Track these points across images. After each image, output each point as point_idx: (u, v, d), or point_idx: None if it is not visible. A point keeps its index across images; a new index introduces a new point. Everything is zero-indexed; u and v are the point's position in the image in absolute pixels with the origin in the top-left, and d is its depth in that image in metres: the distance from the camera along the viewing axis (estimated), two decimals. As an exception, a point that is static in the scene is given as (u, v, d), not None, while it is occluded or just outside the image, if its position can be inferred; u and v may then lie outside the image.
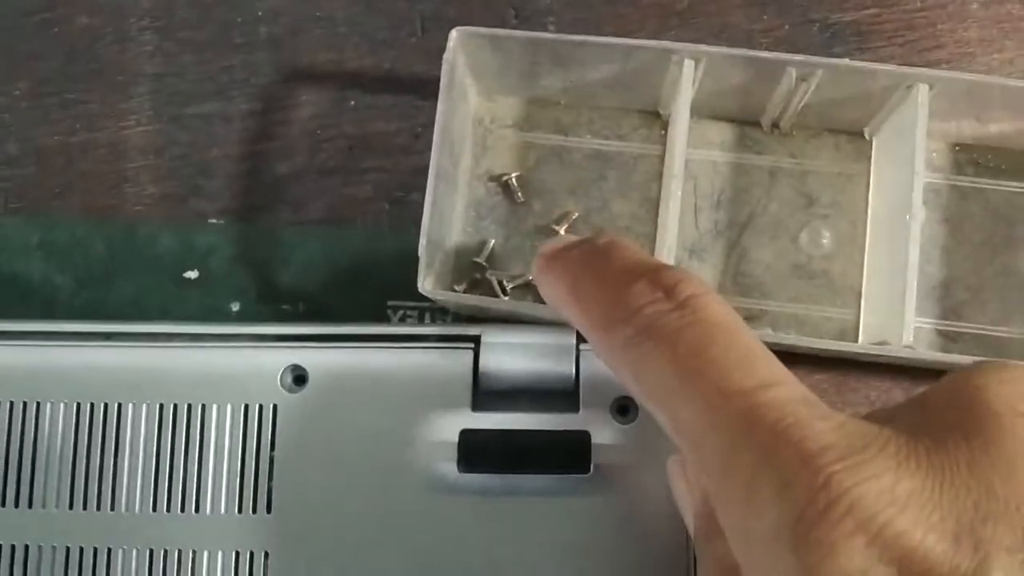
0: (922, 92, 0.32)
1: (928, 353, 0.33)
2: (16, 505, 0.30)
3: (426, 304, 0.35)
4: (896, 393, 0.35)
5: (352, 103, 0.38)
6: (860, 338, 0.35)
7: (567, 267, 0.22)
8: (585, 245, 0.22)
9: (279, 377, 0.31)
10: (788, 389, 0.18)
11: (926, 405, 0.18)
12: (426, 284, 0.31)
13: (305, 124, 0.38)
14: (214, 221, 0.37)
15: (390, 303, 0.36)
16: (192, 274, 0.37)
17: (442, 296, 0.32)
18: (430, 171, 0.32)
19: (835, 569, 0.15)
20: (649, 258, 0.21)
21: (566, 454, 0.29)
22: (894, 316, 0.31)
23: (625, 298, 0.19)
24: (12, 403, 0.31)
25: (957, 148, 0.36)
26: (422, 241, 0.31)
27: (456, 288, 0.35)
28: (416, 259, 0.31)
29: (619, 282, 0.20)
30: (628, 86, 0.35)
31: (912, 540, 0.15)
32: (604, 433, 0.30)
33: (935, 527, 0.16)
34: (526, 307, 0.32)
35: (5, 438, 0.30)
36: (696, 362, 0.18)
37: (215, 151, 0.38)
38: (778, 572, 0.16)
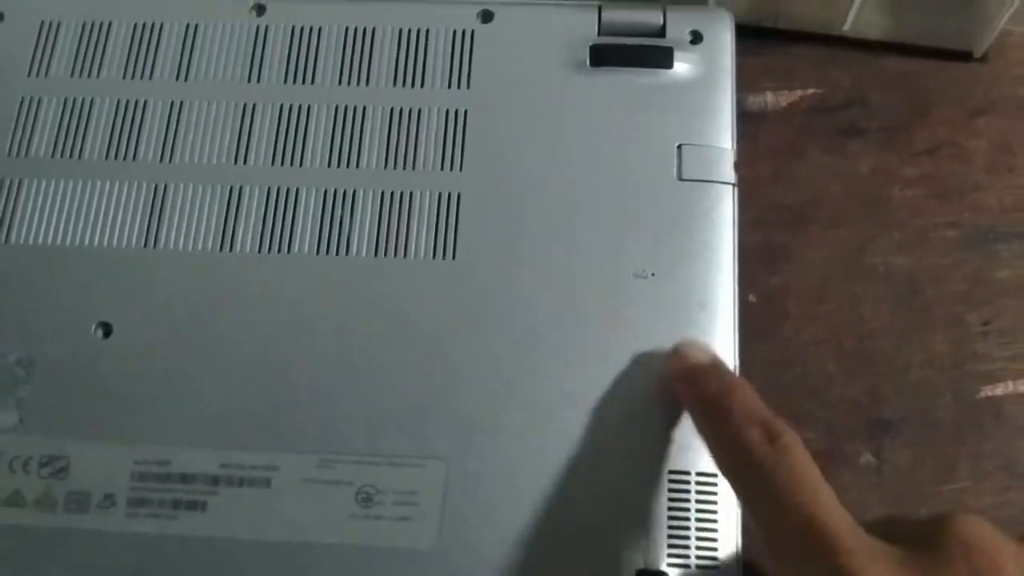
0: None
1: None
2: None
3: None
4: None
5: None
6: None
7: (702, 395, 0.30)
8: (716, 383, 0.30)
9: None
10: (835, 510, 0.26)
11: (919, 532, 0.26)
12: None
13: None
14: None
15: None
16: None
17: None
18: None
19: None
20: (761, 408, 0.29)
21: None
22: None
23: (745, 441, 0.28)
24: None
25: None
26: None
27: None
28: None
29: (740, 424, 0.28)
30: None
31: None
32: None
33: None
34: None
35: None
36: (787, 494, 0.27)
37: None
38: None
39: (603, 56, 0.36)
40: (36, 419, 0.33)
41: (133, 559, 0.31)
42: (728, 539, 0.31)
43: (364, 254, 0.34)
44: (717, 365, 0.31)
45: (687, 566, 0.31)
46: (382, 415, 0.32)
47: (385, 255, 0.34)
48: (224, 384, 0.33)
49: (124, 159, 0.36)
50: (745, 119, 0.35)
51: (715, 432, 0.29)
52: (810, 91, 0.39)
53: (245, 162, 0.36)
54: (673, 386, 0.32)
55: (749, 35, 0.37)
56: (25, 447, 0.33)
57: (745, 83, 0.36)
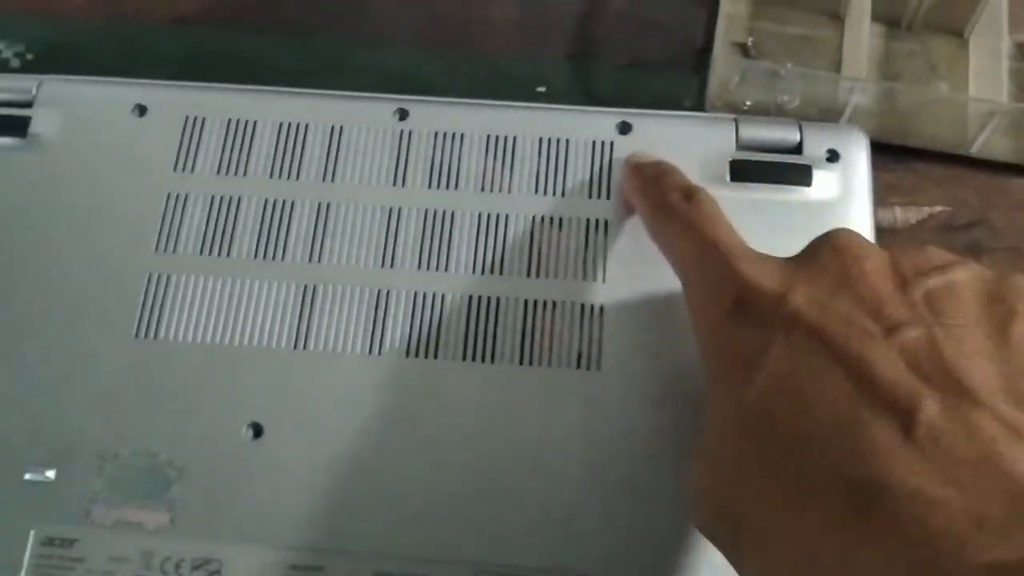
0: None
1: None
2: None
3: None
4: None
5: None
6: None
7: (642, 179, 0.36)
8: (653, 169, 0.36)
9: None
10: (734, 237, 0.31)
11: (805, 249, 0.30)
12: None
13: None
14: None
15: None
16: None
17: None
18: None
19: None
20: (685, 178, 0.35)
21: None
22: None
23: (668, 200, 0.33)
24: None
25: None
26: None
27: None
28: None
29: (666, 191, 0.34)
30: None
31: (767, 284, 0.29)
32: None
33: (768, 277, 0.29)
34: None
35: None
36: (696, 229, 0.32)
37: None
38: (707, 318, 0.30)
39: (743, 171, 0.37)
40: (187, 520, 0.33)
41: (287, 666, 0.32)
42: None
43: (509, 361, 0.35)
44: (655, 159, 0.36)
45: None
46: (537, 526, 0.33)
47: (530, 363, 0.35)
48: (377, 488, 0.33)
49: (272, 259, 0.37)
50: (874, 233, 0.36)
51: (647, 201, 0.35)
52: (937, 209, 0.40)
53: (392, 265, 0.36)
54: (624, 187, 0.37)
55: (876, 150, 0.38)
56: (176, 549, 0.33)
57: (874, 197, 0.37)
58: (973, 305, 0.27)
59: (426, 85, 0.41)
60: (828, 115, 0.40)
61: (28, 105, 0.39)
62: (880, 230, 0.37)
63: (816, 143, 0.38)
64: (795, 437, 0.26)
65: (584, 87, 0.41)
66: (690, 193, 0.33)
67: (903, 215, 0.40)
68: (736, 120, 0.38)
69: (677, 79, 0.41)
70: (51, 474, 0.34)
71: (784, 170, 0.37)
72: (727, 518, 0.27)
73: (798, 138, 0.38)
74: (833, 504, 0.24)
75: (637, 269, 0.36)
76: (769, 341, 0.27)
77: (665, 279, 0.34)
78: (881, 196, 0.38)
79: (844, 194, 0.37)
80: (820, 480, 0.25)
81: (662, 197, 0.34)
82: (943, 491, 0.23)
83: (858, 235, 0.29)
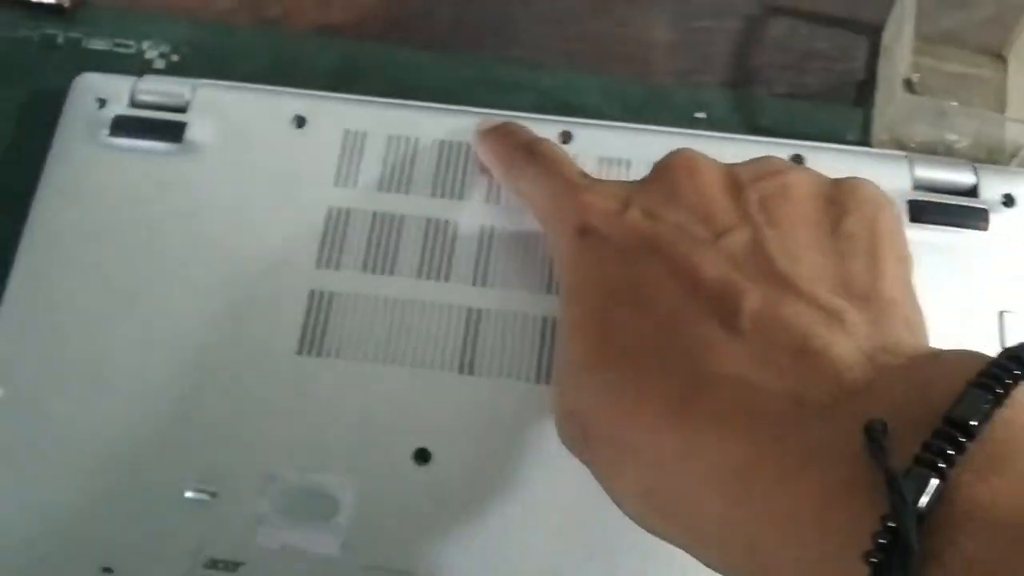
0: None
1: None
2: None
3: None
4: None
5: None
6: None
7: (490, 137, 0.36)
8: (500, 128, 0.36)
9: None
10: (578, 175, 0.32)
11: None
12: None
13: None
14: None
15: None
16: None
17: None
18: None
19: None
20: (528, 135, 0.35)
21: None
22: None
23: (515, 154, 0.34)
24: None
25: None
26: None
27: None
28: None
29: (514, 147, 0.35)
30: None
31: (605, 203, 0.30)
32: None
33: (606, 198, 0.30)
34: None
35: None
36: (542, 175, 0.33)
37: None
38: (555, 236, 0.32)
39: (923, 212, 0.36)
40: (356, 547, 0.32)
41: None
42: None
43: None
44: (500, 122, 0.37)
45: None
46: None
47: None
48: (546, 520, 0.33)
49: (437, 279, 0.36)
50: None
51: (498, 160, 0.35)
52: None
53: (557, 292, 0.36)
54: (476, 152, 0.37)
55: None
56: None
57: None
58: (807, 205, 0.29)
59: (580, 107, 0.40)
60: (995, 156, 0.39)
61: (182, 110, 0.38)
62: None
63: (991, 186, 0.37)
64: (631, 345, 0.27)
65: (744, 115, 0.40)
66: (533, 145, 0.34)
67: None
68: (908, 158, 0.37)
69: (839, 111, 0.41)
70: (213, 494, 0.33)
71: (962, 213, 0.36)
72: (580, 430, 0.28)
73: (974, 180, 0.37)
74: (666, 403, 0.25)
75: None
76: (608, 256, 0.29)
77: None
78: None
79: (1021, 240, 0.36)
80: (653, 380, 0.26)
81: (511, 153, 0.35)
82: (764, 375, 0.24)
83: (698, 152, 0.31)
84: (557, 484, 0.33)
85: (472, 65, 0.42)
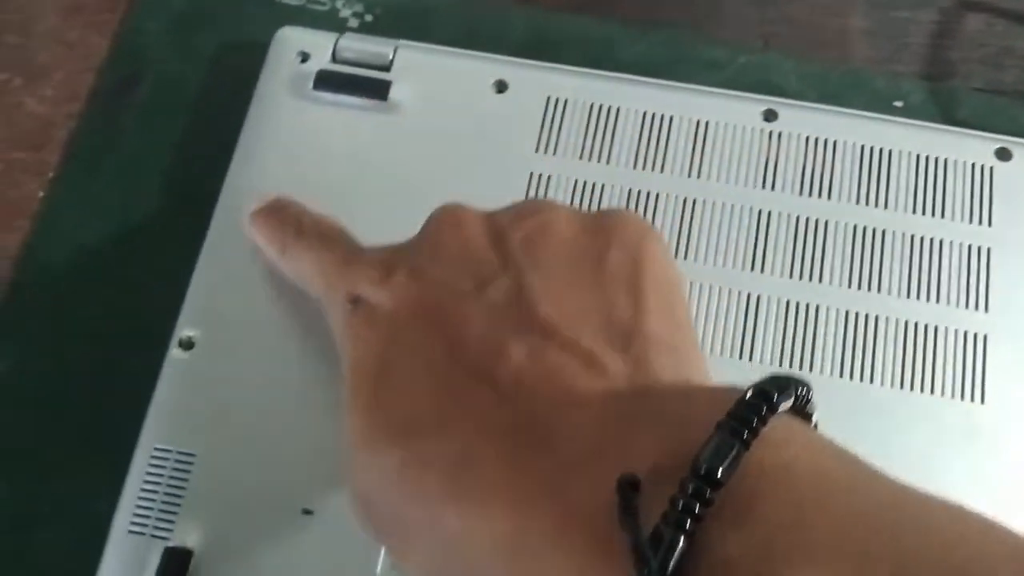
0: None
1: None
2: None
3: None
4: None
5: None
6: None
7: (262, 215, 0.35)
8: (271, 205, 0.35)
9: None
10: (345, 249, 0.32)
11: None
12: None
13: None
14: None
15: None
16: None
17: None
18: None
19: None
20: (295, 211, 0.34)
21: None
22: None
23: (282, 232, 0.34)
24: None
25: None
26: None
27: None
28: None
29: (282, 226, 0.34)
30: None
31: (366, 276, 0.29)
32: None
33: (372, 266, 0.29)
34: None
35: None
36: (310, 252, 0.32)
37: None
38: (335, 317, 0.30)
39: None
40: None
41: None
42: None
43: (885, 384, 0.34)
44: (273, 196, 0.35)
45: None
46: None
47: (908, 388, 0.34)
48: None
49: (638, 249, 0.36)
50: None
51: (268, 240, 0.34)
52: None
53: (761, 270, 0.35)
54: (248, 228, 0.35)
55: None
56: None
57: None
58: (568, 242, 0.27)
59: (778, 88, 0.40)
60: None
61: (385, 69, 0.39)
62: None
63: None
64: (410, 417, 0.25)
65: (941, 107, 0.40)
66: (301, 223, 0.33)
67: None
68: (1117, 156, 0.37)
69: (1039, 110, 0.40)
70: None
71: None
72: (369, 510, 0.26)
73: None
74: (445, 477, 0.24)
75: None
76: (379, 325, 0.27)
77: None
78: None
79: None
80: (432, 454, 0.24)
81: (280, 235, 0.33)
82: (527, 437, 0.23)
83: (462, 206, 0.30)
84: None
85: (667, 43, 0.42)
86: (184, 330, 0.35)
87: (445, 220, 0.29)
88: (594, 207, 0.36)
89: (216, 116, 0.40)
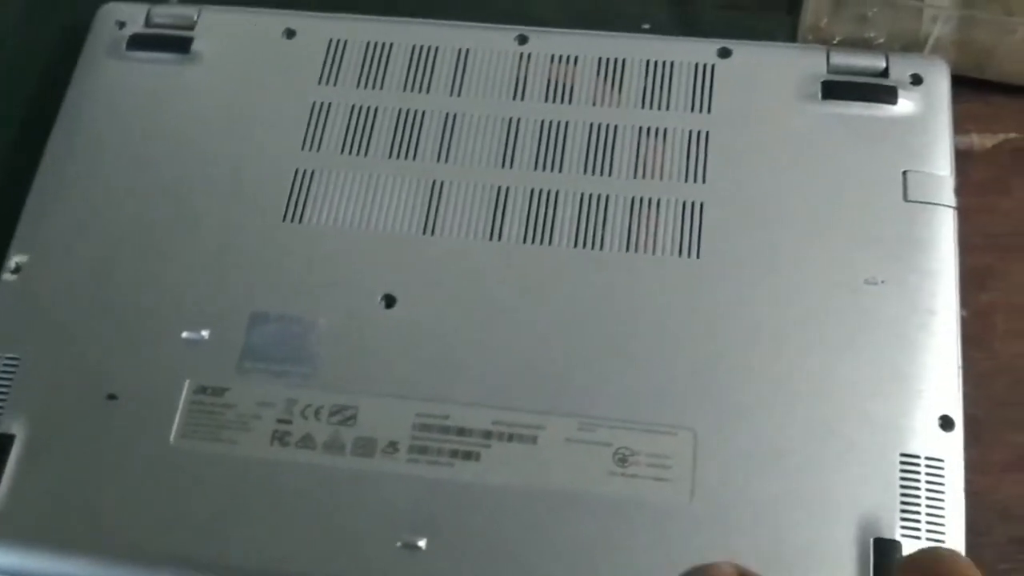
0: None
1: None
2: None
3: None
4: None
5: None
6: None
7: None
8: None
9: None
10: None
11: None
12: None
13: None
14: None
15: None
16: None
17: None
18: None
19: None
20: None
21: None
22: None
23: None
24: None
25: None
26: None
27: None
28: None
29: None
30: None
31: None
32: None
33: None
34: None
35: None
36: None
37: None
38: None
39: (834, 90, 0.41)
40: (328, 375, 0.37)
41: (413, 498, 0.35)
42: (954, 519, 0.34)
43: (616, 249, 0.38)
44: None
45: (917, 538, 0.34)
46: (637, 388, 0.36)
47: (636, 251, 0.38)
48: (497, 354, 0.37)
49: (405, 158, 0.41)
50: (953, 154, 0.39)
51: None
52: (1012, 135, 0.43)
53: (511, 167, 0.40)
54: None
55: (956, 83, 0.41)
56: (316, 398, 0.37)
57: (953, 125, 0.40)
58: None
59: (537, 20, 0.45)
60: (912, 49, 0.43)
61: (190, 28, 0.44)
62: (958, 152, 0.40)
63: (901, 69, 0.41)
64: None
65: (686, 26, 0.45)
66: None
67: (980, 140, 0.43)
68: (828, 49, 0.42)
69: (771, 20, 0.45)
70: (205, 334, 0.38)
71: (871, 89, 0.40)
72: None
73: (884, 64, 0.41)
74: None
75: (735, 173, 0.40)
76: None
77: (760, 183, 0.38)
78: (959, 123, 0.41)
79: (926, 111, 0.40)
80: None
81: None
82: None
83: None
84: (505, 324, 0.37)
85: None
86: (14, 257, 0.40)
87: None
88: (368, 126, 0.42)
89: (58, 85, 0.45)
